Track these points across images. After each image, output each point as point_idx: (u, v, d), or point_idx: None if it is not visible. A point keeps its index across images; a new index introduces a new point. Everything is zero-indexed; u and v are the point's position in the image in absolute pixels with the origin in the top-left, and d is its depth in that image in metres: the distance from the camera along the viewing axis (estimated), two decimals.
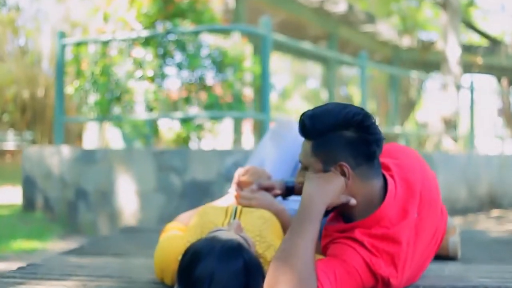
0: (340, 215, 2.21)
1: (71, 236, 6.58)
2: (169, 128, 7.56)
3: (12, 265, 5.16)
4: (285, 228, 2.57)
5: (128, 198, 6.37)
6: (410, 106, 19.18)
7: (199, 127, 7.08)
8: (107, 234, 4.02)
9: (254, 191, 2.60)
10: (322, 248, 2.20)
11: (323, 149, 2.08)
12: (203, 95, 6.93)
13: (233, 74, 6.93)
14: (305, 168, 2.16)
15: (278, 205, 2.61)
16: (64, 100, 7.54)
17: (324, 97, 16.50)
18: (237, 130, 11.27)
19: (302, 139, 3.24)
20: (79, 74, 7.23)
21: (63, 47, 7.42)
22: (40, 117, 14.90)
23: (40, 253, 5.81)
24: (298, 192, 2.68)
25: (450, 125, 12.78)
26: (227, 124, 11.95)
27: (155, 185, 6.27)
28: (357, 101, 20.81)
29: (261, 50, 6.73)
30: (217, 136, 7.64)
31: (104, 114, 7.11)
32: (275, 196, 2.66)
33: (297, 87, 32.35)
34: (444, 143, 12.42)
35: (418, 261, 2.27)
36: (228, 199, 2.75)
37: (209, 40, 7.21)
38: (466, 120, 11.97)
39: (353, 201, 2.10)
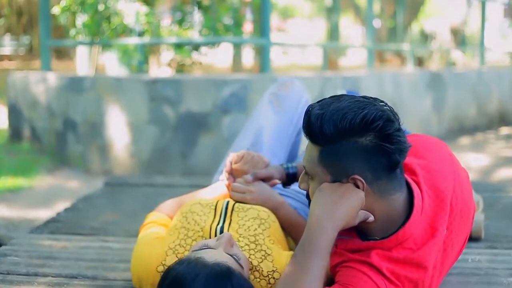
0: (353, 228, 1.81)
1: (59, 169, 6.24)
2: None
3: None
4: (285, 224, 2.19)
5: (119, 130, 5.98)
6: (417, 6, 18.41)
7: (195, 51, 6.60)
8: (90, 192, 3.64)
9: (249, 182, 2.20)
10: (331, 268, 1.81)
11: (333, 160, 1.66)
12: (199, 18, 6.41)
13: None
14: (309, 175, 1.75)
15: (277, 198, 2.22)
16: (51, 21, 7.00)
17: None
18: (237, 55, 10.68)
19: (306, 100, 2.83)
20: None
21: None
22: (37, 21, 14.32)
23: (26, 193, 5.49)
24: None
25: (459, 35, 12.23)
26: (226, 47, 11.29)
27: (147, 116, 5.86)
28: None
29: None
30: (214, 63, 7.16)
31: (93, 37, 6.61)
32: (274, 185, 2.26)
33: None
34: (453, 56, 11.90)
35: (444, 274, 1.90)
36: (219, 189, 2.35)
37: None
38: (475, 27, 11.38)
39: (371, 218, 1.70)
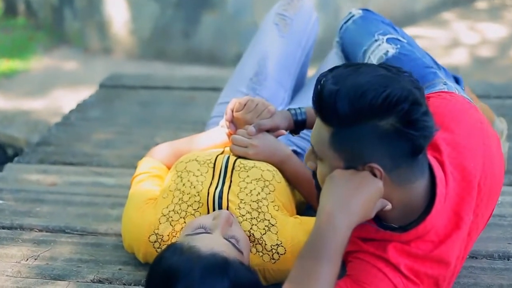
0: None
1: (57, 47, 5.97)
2: None
3: None
4: (292, 179, 1.98)
5: (118, 5, 5.66)
6: None
7: None
8: (83, 100, 3.37)
9: (252, 134, 1.95)
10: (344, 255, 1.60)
11: (348, 144, 1.41)
12: None
13: None
14: (317, 155, 1.51)
15: (282, 151, 1.98)
16: None
17: None
18: None
19: (315, 19, 2.52)
20: None
21: None
22: None
23: (22, 77, 5.26)
24: (311, 126, 2.02)
25: None
26: None
27: None
28: None
29: None
30: None
31: None
32: (279, 136, 2.02)
33: None
34: None
35: (466, 256, 1.70)
36: (219, 136, 2.10)
37: None
38: None
39: (388, 207, 1.47)
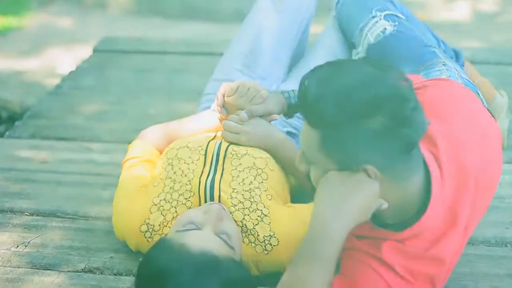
0: None
1: (52, 2, 5.85)
2: None
3: None
4: (286, 165, 1.93)
5: None
6: None
7: None
8: (77, 67, 3.29)
9: (244, 120, 1.89)
10: None
11: (338, 147, 1.35)
12: None
13: None
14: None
15: (275, 137, 1.93)
16: None
17: None
18: None
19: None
20: None
21: None
22: None
23: (16, 34, 5.18)
24: None
25: None
26: None
27: None
28: None
29: None
30: None
31: None
32: (273, 120, 1.96)
33: None
34: None
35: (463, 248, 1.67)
36: (211, 120, 2.04)
37: None
38: None
39: (385, 206, 1.42)
